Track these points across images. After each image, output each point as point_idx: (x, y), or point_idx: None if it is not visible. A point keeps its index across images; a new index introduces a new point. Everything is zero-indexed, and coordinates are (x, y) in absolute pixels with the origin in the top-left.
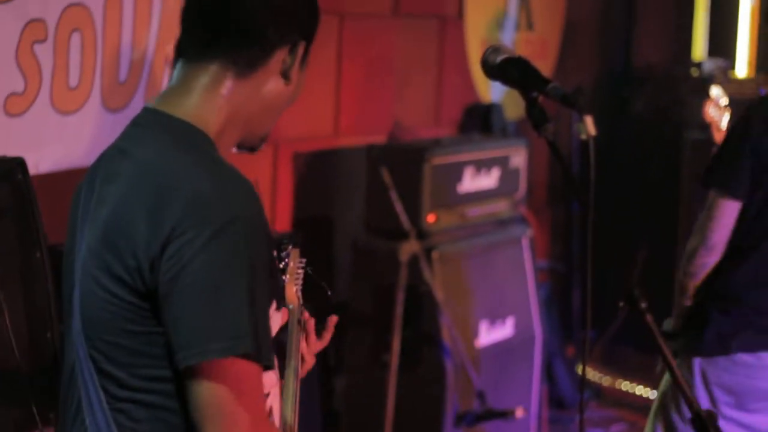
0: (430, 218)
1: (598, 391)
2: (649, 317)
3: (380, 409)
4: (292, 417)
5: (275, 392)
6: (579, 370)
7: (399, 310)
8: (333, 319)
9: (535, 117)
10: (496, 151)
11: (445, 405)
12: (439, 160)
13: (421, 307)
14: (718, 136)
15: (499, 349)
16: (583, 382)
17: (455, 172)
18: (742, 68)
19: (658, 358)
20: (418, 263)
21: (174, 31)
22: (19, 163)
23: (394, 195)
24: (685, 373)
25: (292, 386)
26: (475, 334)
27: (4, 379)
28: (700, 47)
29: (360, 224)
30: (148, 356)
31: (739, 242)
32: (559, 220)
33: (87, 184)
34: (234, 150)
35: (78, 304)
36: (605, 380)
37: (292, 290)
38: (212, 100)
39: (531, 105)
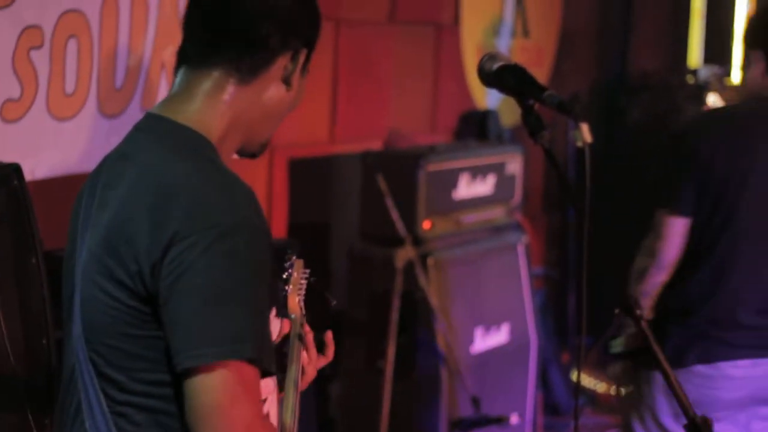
0: (426, 225)
1: (593, 398)
2: (644, 324)
3: (375, 415)
4: (292, 428)
5: (272, 399)
6: (574, 376)
7: (394, 316)
8: (329, 334)
9: (532, 124)
10: (492, 158)
11: (440, 411)
12: (435, 166)
13: (417, 314)
14: None
15: (494, 355)
16: (578, 389)
17: (451, 179)
18: (737, 75)
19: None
20: (413, 269)
21: (170, 37)
22: (15, 169)
23: (389, 201)
24: (645, 387)
25: (292, 397)
26: (470, 340)
27: (0, 385)
28: (695, 55)
29: (355, 230)
30: (148, 360)
31: (691, 255)
32: (554, 227)
33: (88, 188)
34: (235, 156)
35: (78, 308)
36: (600, 387)
37: (295, 300)
38: (214, 106)
39: (527, 112)
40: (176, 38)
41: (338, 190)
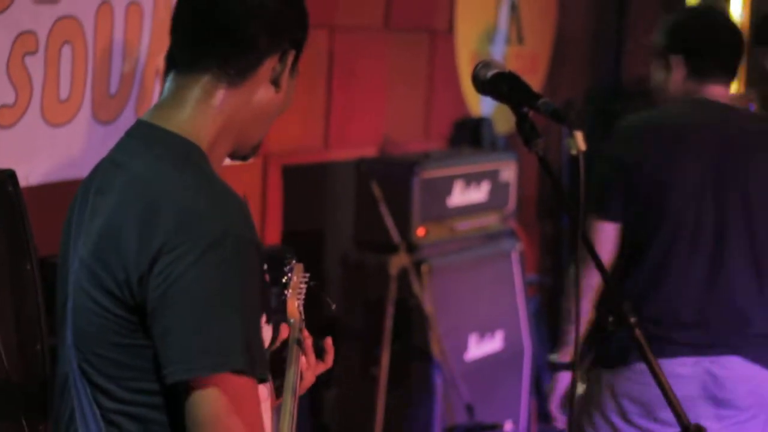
0: (420, 232)
1: None
2: (638, 332)
3: (369, 422)
4: None
5: (266, 406)
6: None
7: (388, 323)
8: (329, 340)
9: (526, 132)
10: (486, 165)
11: (434, 418)
12: (429, 173)
13: (411, 321)
14: None
15: (488, 362)
16: (573, 396)
17: (445, 186)
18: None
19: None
20: (407, 276)
21: (165, 43)
22: (10, 175)
23: (383, 208)
24: (594, 387)
25: (290, 403)
26: (464, 347)
27: None
28: None
29: (349, 237)
30: (136, 369)
31: (626, 259)
32: (548, 234)
33: (81, 195)
34: (227, 160)
35: (71, 316)
36: None
37: (294, 305)
38: (205, 112)
39: (521, 120)
40: None
41: (332, 197)
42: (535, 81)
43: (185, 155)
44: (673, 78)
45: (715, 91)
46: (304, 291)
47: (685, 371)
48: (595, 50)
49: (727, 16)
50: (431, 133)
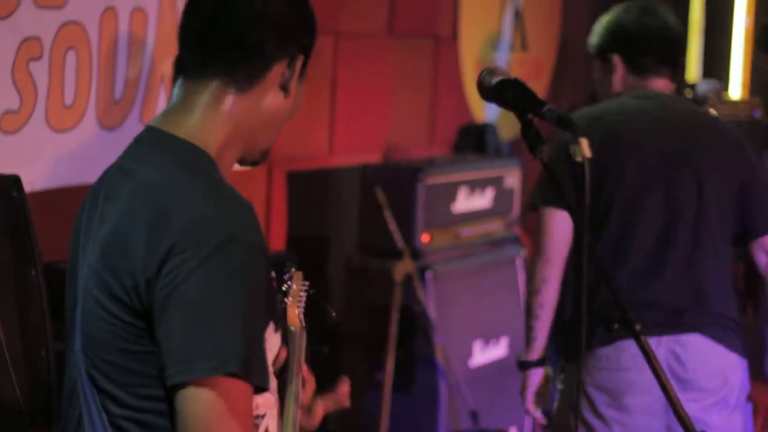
0: (424, 238)
1: None
2: (643, 339)
3: (374, 428)
4: None
5: (272, 413)
6: None
7: (393, 329)
8: (345, 388)
9: (531, 139)
10: (490, 171)
11: (438, 424)
12: (434, 179)
13: (415, 327)
14: None
15: (492, 369)
16: (578, 403)
17: (449, 192)
18: (735, 90)
19: None
20: (412, 283)
21: (169, 49)
22: (15, 181)
23: (388, 214)
24: (566, 385)
25: (293, 410)
26: (468, 353)
27: None
28: (693, 69)
29: (354, 243)
30: (143, 375)
31: (579, 249)
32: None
33: (90, 201)
34: (236, 166)
35: (80, 322)
36: None
37: (294, 313)
38: (214, 118)
39: (526, 127)
40: (175, 50)
41: (337, 202)
42: (539, 87)
43: (194, 161)
44: (614, 77)
45: (657, 84)
46: (304, 299)
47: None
48: None
49: (662, 9)
50: (435, 139)
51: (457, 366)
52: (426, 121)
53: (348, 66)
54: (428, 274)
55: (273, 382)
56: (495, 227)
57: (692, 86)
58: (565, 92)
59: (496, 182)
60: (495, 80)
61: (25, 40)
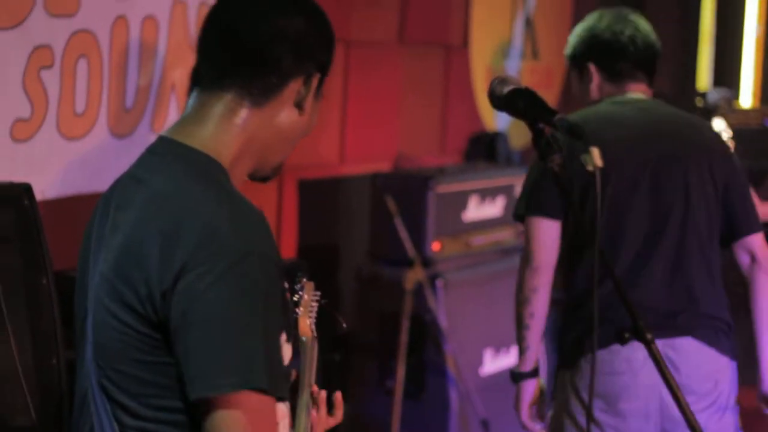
0: (435, 246)
1: None
2: (654, 348)
3: None
4: None
5: (285, 424)
6: None
7: (404, 337)
8: (338, 396)
9: (542, 148)
10: (501, 180)
11: None
12: (444, 188)
13: (426, 335)
14: None
15: (503, 377)
16: (590, 412)
17: (460, 201)
18: (746, 98)
19: None
20: (422, 291)
21: (180, 58)
22: (26, 189)
23: (398, 223)
24: (560, 391)
25: (304, 421)
26: (479, 362)
27: (10, 405)
28: (704, 77)
29: (365, 252)
30: (159, 386)
31: (569, 256)
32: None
33: (101, 210)
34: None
35: (91, 332)
36: None
37: (306, 323)
38: (227, 130)
39: (538, 136)
40: (186, 59)
41: (347, 211)
42: (550, 96)
43: (207, 171)
44: (591, 85)
45: (634, 90)
46: (315, 309)
47: (635, 355)
48: None
49: (635, 15)
50: (446, 147)
51: (468, 374)
52: (437, 130)
53: (359, 74)
54: (439, 283)
55: None
56: (505, 236)
57: (703, 95)
58: (575, 101)
59: (507, 191)
60: (506, 90)
61: (37, 48)
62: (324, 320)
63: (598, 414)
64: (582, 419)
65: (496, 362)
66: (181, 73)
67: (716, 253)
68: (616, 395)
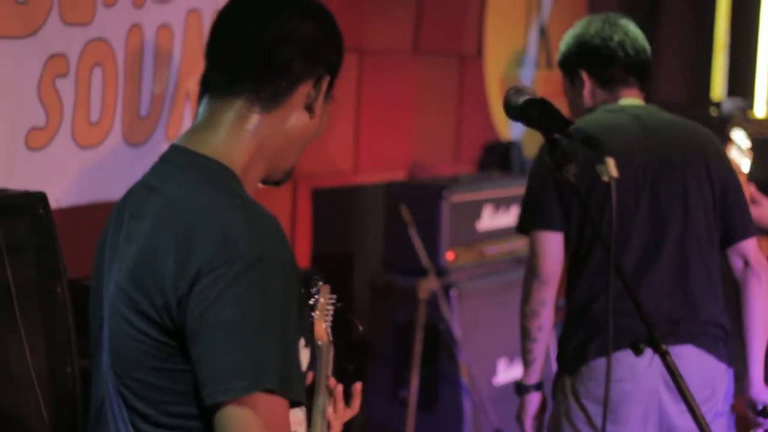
0: (449, 256)
1: None
2: (669, 359)
3: None
4: None
5: (302, 429)
6: None
7: (417, 347)
8: (358, 386)
9: (557, 158)
10: (515, 189)
11: None
12: (458, 197)
13: (440, 345)
14: (740, 179)
15: None
16: (605, 421)
17: (474, 210)
18: (761, 108)
19: None
20: (436, 301)
21: (195, 66)
22: (41, 198)
23: (412, 232)
24: (561, 396)
25: (320, 425)
26: (493, 371)
27: (24, 413)
28: (718, 87)
29: (378, 261)
30: (176, 393)
31: (572, 266)
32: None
33: (115, 219)
34: (259, 185)
35: (107, 341)
36: None
37: (322, 327)
38: (238, 136)
39: (553, 146)
40: (201, 67)
41: (361, 220)
42: (564, 106)
43: (219, 178)
44: (584, 92)
45: (627, 95)
46: (331, 313)
47: (635, 362)
48: None
49: (624, 20)
50: (460, 156)
51: (482, 384)
52: (451, 139)
53: (373, 83)
54: (453, 292)
55: None
56: (520, 245)
57: (717, 104)
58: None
59: (521, 200)
60: (521, 100)
61: (52, 56)
62: (339, 325)
63: (598, 421)
64: (582, 426)
65: (509, 372)
66: (196, 82)
67: (715, 257)
68: (616, 402)
